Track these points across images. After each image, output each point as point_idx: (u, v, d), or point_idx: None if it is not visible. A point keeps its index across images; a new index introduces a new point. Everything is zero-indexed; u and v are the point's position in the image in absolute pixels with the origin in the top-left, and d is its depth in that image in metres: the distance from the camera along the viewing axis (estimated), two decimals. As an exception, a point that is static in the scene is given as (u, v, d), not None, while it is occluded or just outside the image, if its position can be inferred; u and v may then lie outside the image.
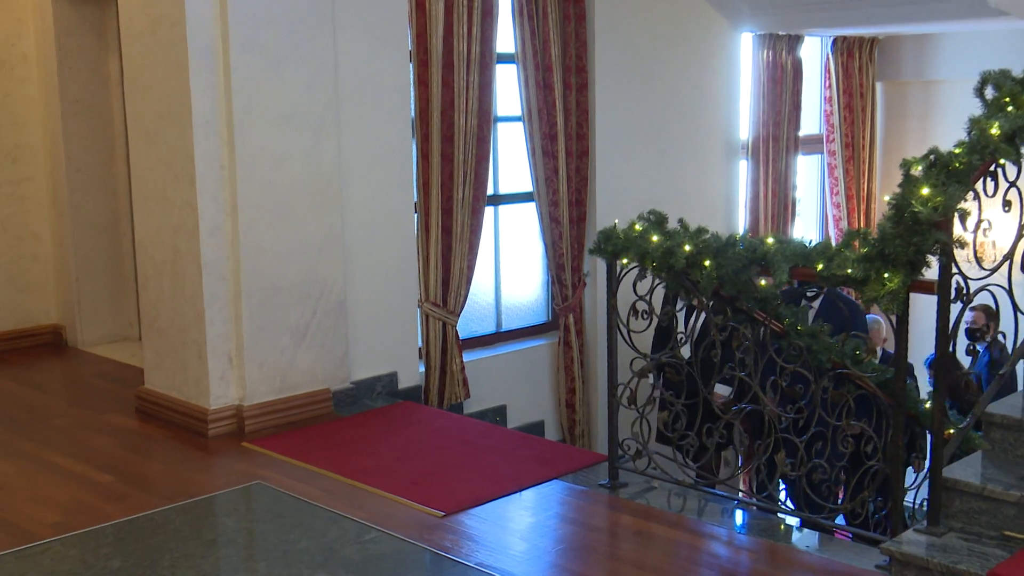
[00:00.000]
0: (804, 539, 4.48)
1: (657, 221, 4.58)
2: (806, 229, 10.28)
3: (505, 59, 7.18)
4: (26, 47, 7.19)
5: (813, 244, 4.04)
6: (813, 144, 10.09)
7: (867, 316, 6.53)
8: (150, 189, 5.71)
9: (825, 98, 10.02)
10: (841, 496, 5.40)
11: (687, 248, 4.31)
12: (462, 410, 6.93)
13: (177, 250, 5.57)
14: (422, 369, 6.74)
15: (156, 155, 5.61)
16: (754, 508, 4.77)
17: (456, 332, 6.85)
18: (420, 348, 6.74)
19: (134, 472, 5.03)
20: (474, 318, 7.47)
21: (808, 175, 10.31)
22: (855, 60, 9.98)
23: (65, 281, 7.36)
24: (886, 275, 3.71)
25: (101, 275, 7.38)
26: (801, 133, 9.55)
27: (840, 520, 5.25)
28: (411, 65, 6.45)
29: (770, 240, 4.12)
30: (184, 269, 5.54)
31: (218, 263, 5.49)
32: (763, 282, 4.35)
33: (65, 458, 5.16)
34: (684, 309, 4.92)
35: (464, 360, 6.93)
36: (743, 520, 4.66)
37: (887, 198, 3.71)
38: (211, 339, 5.50)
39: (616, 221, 4.71)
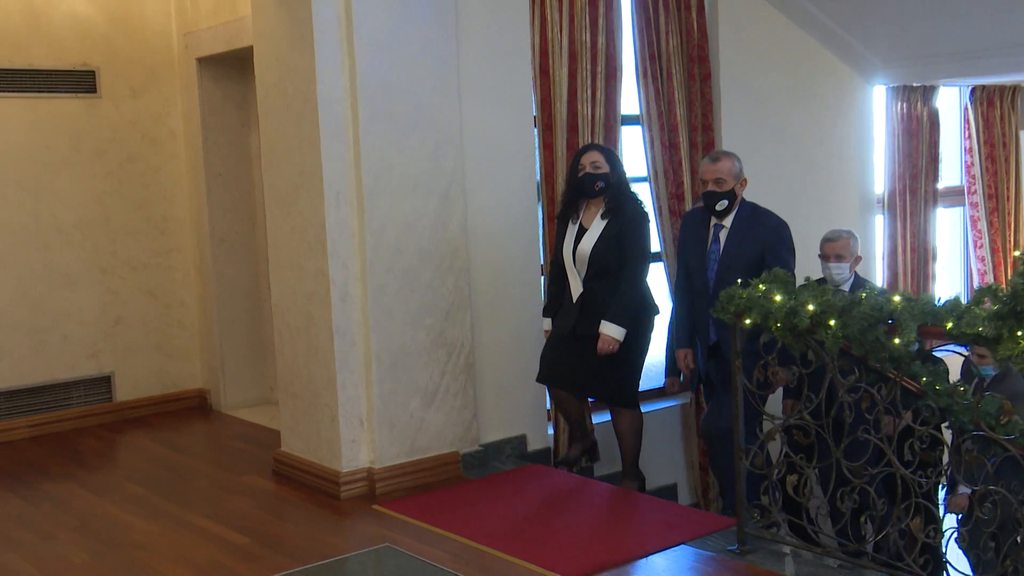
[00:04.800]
0: (946, 610, 4.29)
1: (782, 280, 4.50)
2: (950, 284, 9.95)
3: (630, 120, 7.21)
4: (174, 124, 7.60)
5: (943, 302, 3.90)
6: (954, 196, 9.78)
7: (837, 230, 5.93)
8: (285, 257, 5.92)
9: (965, 149, 9.73)
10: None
11: (810, 308, 4.22)
12: (592, 473, 6.88)
13: (310, 316, 5.74)
14: (551, 431, 6.74)
15: (291, 224, 5.82)
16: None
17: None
18: (549, 410, 6.74)
19: (269, 533, 5.16)
20: (604, 379, 7.41)
21: (950, 228, 9.99)
22: (995, 109, 9.68)
23: (209, 347, 7.66)
24: (1019, 333, 3.56)
25: (243, 341, 7.67)
26: (941, 185, 9.27)
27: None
28: (535, 130, 6.55)
29: (897, 298, 4.00)
30: (317, 334, 5.71)
31: (349, 328, 5.64)
32: (897, 340, 4.20)
33: (204, 519, 5.34)
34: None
35: (594, 422, 6.90)
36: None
37: (1017, 253, 3.57)
38: (343, 403, 5.63)
39: (739, 280, 4.65)
